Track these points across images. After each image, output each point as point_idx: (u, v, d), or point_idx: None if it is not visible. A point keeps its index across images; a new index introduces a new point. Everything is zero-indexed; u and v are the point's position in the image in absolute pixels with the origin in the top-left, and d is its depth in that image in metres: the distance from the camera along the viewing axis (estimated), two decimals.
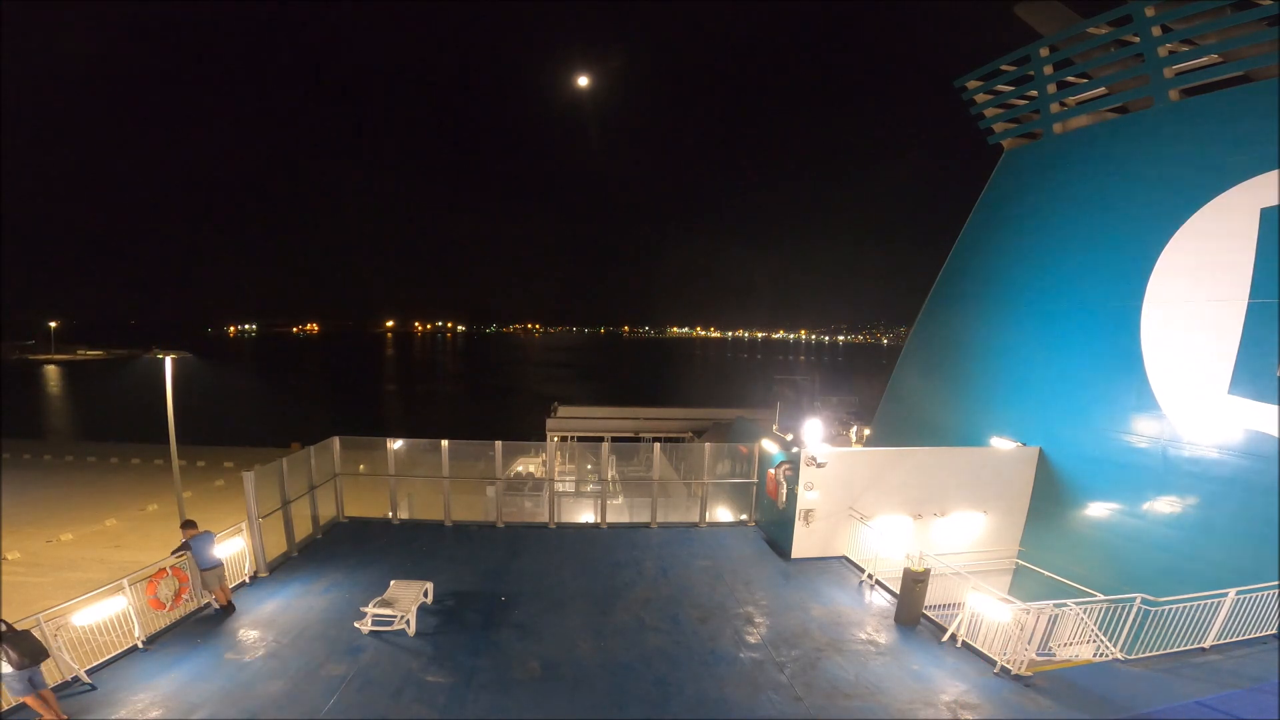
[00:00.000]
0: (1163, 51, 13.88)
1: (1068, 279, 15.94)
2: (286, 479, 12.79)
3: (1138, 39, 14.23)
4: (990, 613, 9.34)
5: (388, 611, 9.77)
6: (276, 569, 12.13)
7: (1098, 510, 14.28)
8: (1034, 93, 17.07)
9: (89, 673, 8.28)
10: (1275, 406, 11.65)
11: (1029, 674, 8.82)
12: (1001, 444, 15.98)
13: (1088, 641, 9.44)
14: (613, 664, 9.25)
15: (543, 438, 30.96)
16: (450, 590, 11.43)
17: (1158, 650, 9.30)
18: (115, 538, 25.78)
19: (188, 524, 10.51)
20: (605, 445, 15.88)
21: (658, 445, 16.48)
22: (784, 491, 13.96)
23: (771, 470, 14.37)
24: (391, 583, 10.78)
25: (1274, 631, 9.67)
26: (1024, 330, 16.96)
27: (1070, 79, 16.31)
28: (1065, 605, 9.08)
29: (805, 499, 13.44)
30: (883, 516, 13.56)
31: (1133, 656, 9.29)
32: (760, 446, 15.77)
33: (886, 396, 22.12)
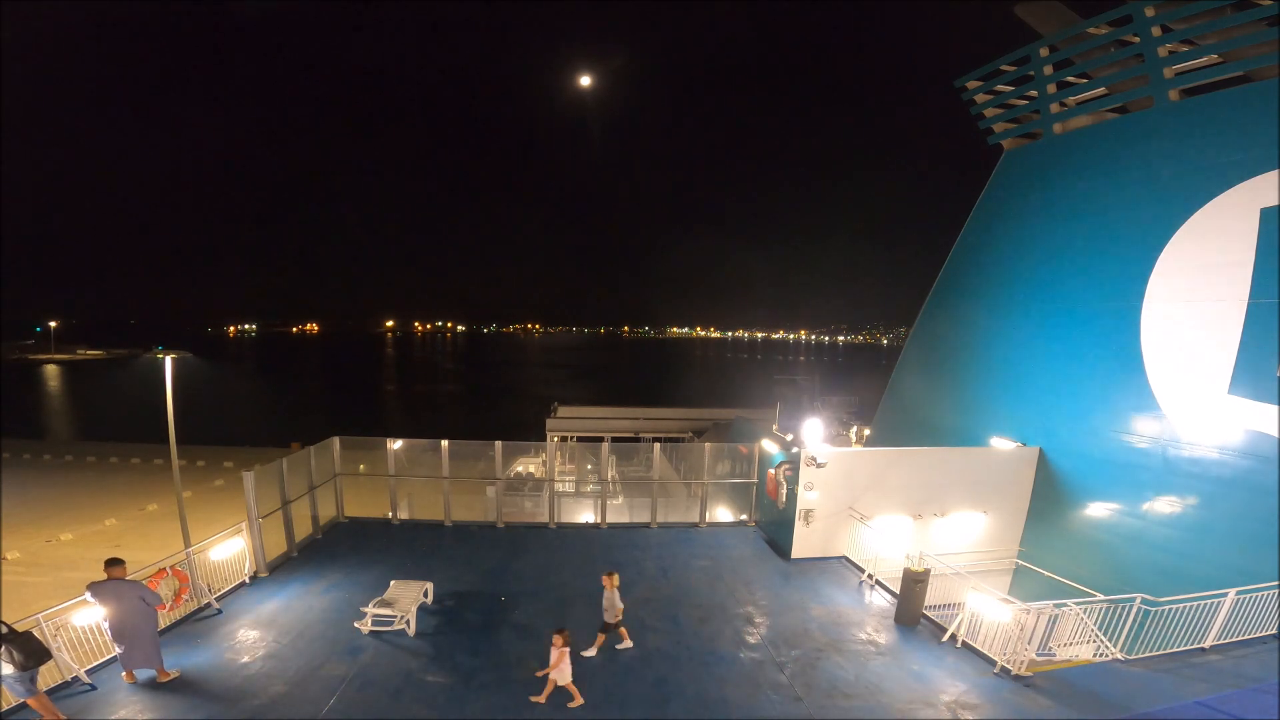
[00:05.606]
0: (1163, 51, 13.87)
1: (1068, 279, 15.94)
2: (286, 479, 12.79)
3: (1138, 39, 14.22)
4: (990, 613, 9.33)
5: (388, 611, 9.76)
6: (276, 569, 12.13)
7: (1098, 510, 14.28)
8: (1034, 93, 17.06)
9: (89, 673, 8.27)
10: (1275, 406, 11.65)
11: (1029, 674, 8.81)
12: (1001, 444, 15.98)
13: (1088, 641, 9.44)
14: (613, 664, 9.25)
15: (543, 438, 30.99)
16: (450, 590, 11.43)
17: (1158, 650, 9.29)
18: (115, 538, 25.78)
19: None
20: (605, 445, 15.88)
21: (658, 445, 16.49)
22: (784, 491, 13.96)
23: (771, 470, 14.37)
24: (391, 583, 10.79)
25: (1274, 631, 9.67)
26: (1024, 330, 16.95)
27: (1070, 79, 16.30)
28: (1065, 605, 9.07)
29: (805, 499, 13.44)
30: (883, 516, 13.55)
31: (1133, 656, 9.29)
32: (760, 446, 15.76)
33: (886, 396, 22.12)
